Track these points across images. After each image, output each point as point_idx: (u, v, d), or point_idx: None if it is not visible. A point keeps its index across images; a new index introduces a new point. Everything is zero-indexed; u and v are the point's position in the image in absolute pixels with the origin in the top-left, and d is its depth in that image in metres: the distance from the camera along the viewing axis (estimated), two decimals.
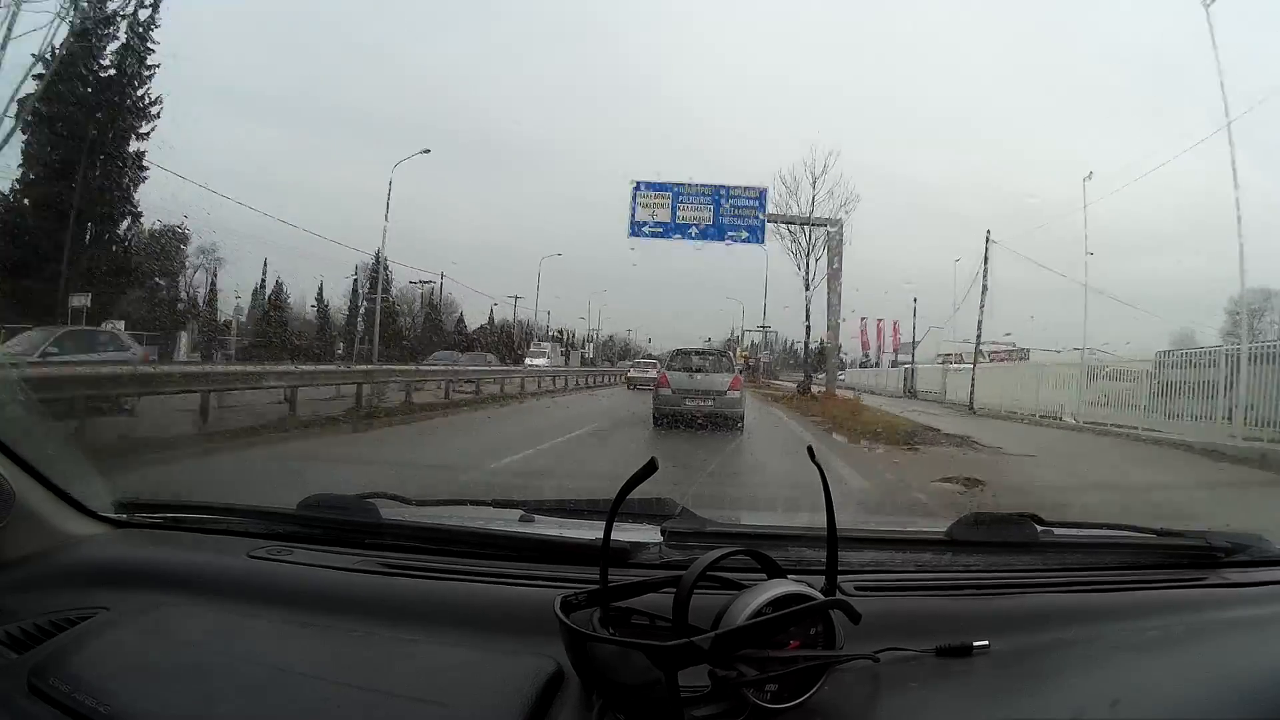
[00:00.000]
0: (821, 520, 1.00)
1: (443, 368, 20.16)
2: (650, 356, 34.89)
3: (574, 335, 50.32)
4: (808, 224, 23.28)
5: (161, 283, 27.99)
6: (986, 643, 1.00)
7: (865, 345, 43.16)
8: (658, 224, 21.52)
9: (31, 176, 19.94)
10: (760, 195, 21.73)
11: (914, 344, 34.78)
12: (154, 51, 21.84)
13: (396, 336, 35.64)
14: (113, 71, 21.29)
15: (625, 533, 1.21)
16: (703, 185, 21.62)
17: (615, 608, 0.97)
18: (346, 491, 1.56)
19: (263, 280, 36.16)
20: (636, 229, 21.50)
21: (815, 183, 23.19)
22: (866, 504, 5.75)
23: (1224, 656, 1.06)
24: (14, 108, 17.64)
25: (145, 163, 21.61)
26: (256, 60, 58.00)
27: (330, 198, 48.47)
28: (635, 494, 0.96)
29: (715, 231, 21.45)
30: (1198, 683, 0.96)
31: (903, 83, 56.56)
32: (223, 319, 30.40)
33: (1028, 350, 24.37)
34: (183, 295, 30.14)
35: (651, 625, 0.97)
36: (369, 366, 15.50)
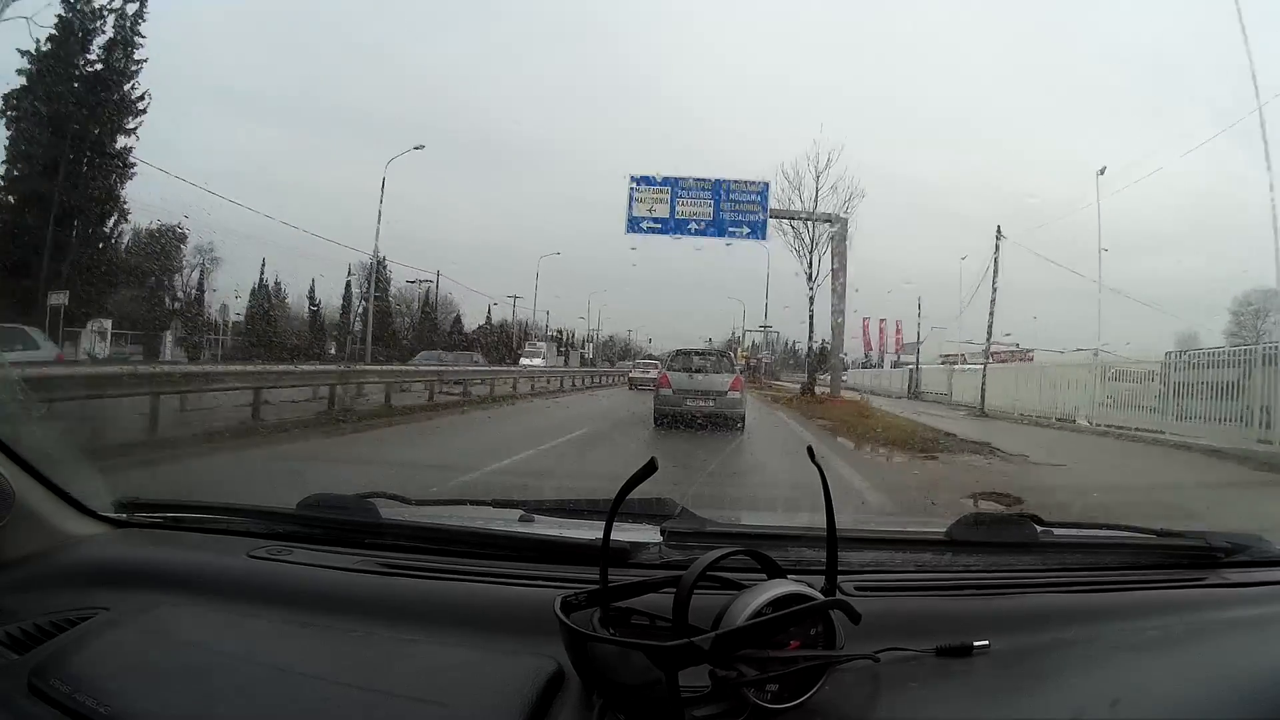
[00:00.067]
0: (821, 520, 1.01)
1: (424, 368, 18.91)
2: (651, 357, 34.85)
3: (573, 335, 50.34)
4: (811, 219, 22.24)
5: (159, 281, 27.77)
6: (986, 643, 1.00)
7: (867, 345, 42.99)
8: (656, 220, 20.69)
9: (14, 172, 19.64)
10: (762, 190, 20.88)
11: (918, 344, 34.58)
12: (141, 46, 21.58)
13: (392, 336, 35.37)
14: (100, 66, 21.00)
15: (625, 533, 1.21)
16: (702, 180, 20.83)
17: (615, 608, 0.97)
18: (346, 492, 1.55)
19: (261, 280, 36.15)
20: (634, 225, 20.70)
21: (819, 177, 22.05)
22: (869, 506, 5.59)
23: (1224, 656, 1.06)
24: None
25: (133, 159, 21.35)
26: (256, 60, 57.93)
27: (331, 198, 48.44)
28: (635, 494, 0.96)
29: (715, 227, 20.64)
30: (1198, 683, 0.96)
31: (903, 83, 56.27)
32: (213, 318, 30.04)
33: (1031, 351, 24.16)
34: (178, 295, 29.84)
35: (651, 625, 0.97)
36: (342, 367, 14.40)
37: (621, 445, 9.65)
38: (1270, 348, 11.60)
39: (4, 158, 19.35)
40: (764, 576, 0.97)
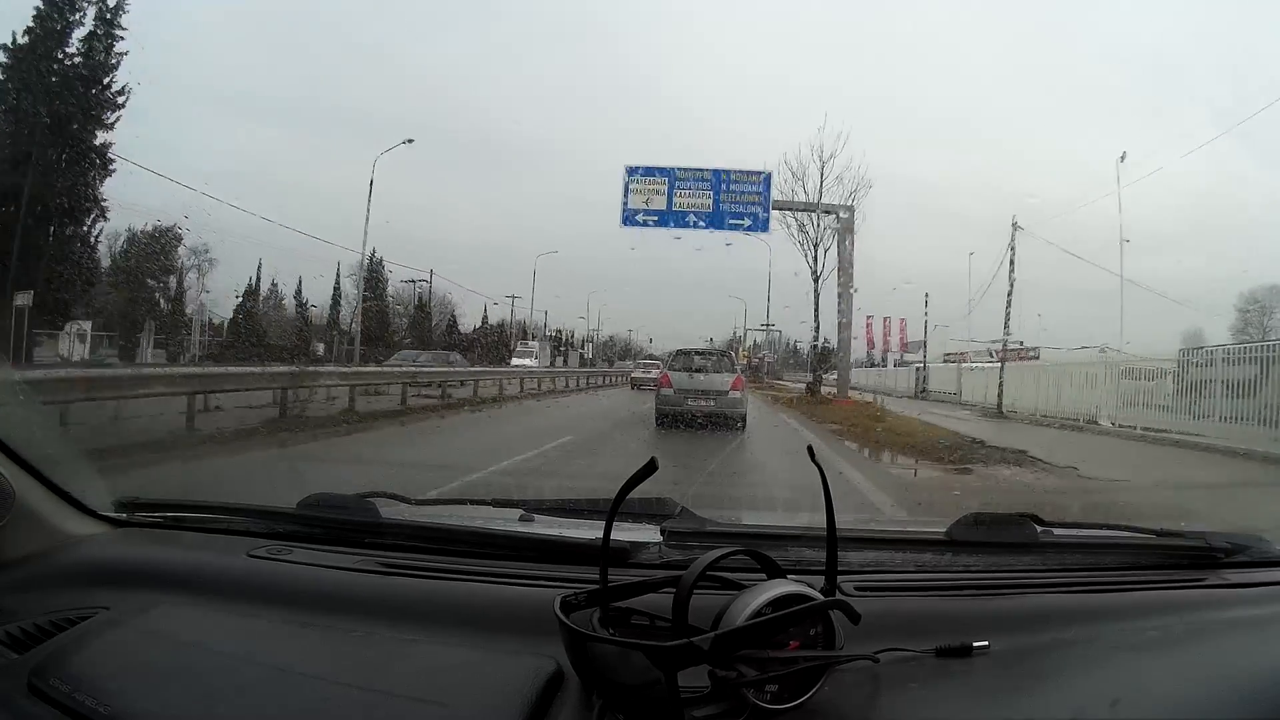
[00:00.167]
0: (821, 520, 1.00)
1: (392, 369, 17.95)
2: (652, 357, 34.73)
3: (573, 335, 50.34)
4: (816, 211, 21.20)
5: (139, 281, 27.16)
6: (986, 643, 1.00)
7: (870, 344, 42.77)
8: (652, 212, 19.67)
9: None
10: (764, 180, 19.85)
11: (925, 343, 34.40)
12: (122, 39, 20.85)
13: (390, 336, 35.08)
14: (79, 60, 20.23)
15: (625, 533, 1.21)
16: (701, 169, 19.77)
17: (615, 608, 0.97)
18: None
19: (257, 280, 35.97)
20: (629, 218, 19.70)
21: (824, 167, 21.05)
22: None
23: (1224, 657, 1.06)
24: None
25: (112, 155, 20.49)
26: (256, 60, 58.15)
27: (331, 198, 48.71)
28: (635, 494, 0.96)
29: (715, 220, 19.62)
30: (1197, 683, 0.96)
31: (903, 83, 56.78)
32: (197, 319, 29.50)
33: (1037, 349, 23.72)
34: (158, 297, 29.17)
35: (651, 625, 0.97)
36: (294, 368, 12.66)
37: (607, 457, 8.37)
38: None
39: None
40: (764, 576, 0.97)
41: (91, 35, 20.40)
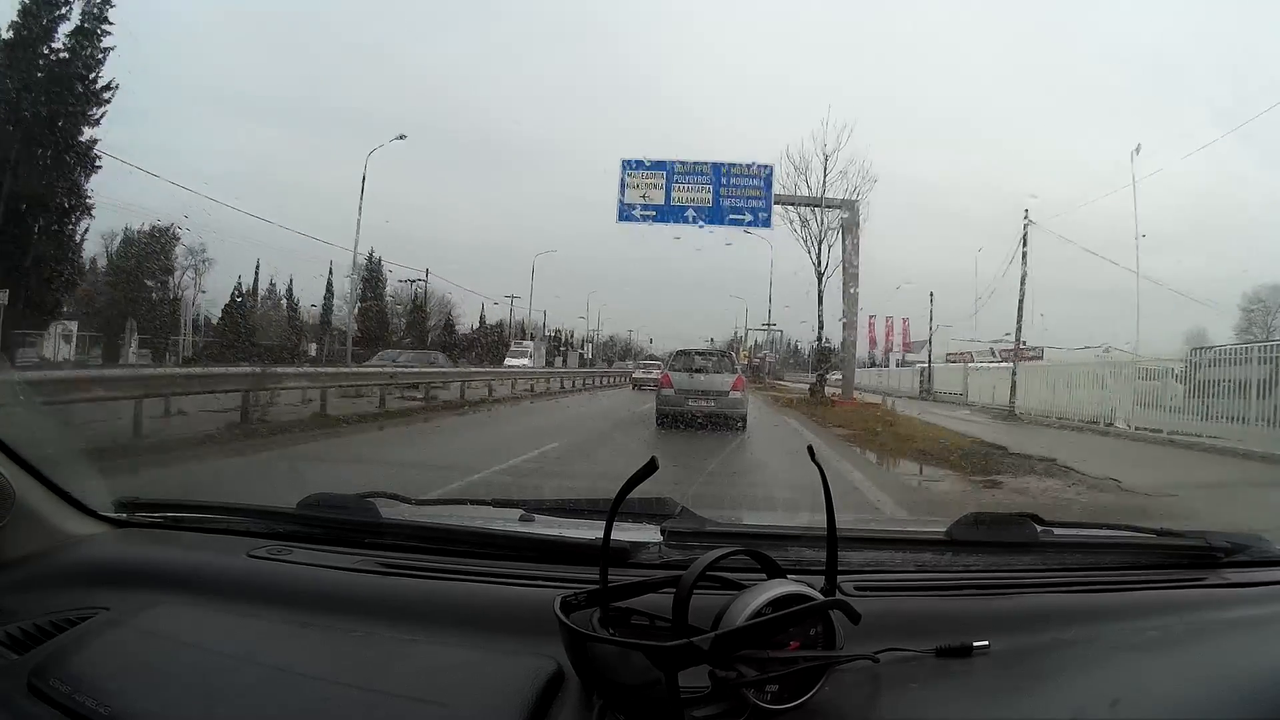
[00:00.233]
0: (821, 520, 1.00)
1: (368, 370, 16.98)
2: (653, 358, 34.62)
3: (572, 335, 50.33)
4: (819, 205, 20.44)
5: (125, 280, 26.63)
6: (986, 643, 1.00)
7: (872, 343, 42.57)
8: (649, 207, 19.05)
9: None
10: (766, 173, 19.24)
11: (930, 342, 34.21)
12: (109, 33, 20.23)
13: (385, 336, 34.82)
14: (65, 55, 19.58)
15: (625, 532, 1.21)
16: (700, 163, 19.15)
17: (615, 608, 0.97)
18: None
19: (255, 281, 35.89)
20: (625, 213, 19.12)
21: (827, 161, 20.32)
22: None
23: (1224, 656, 1.06)
24: None
25: (98, 151, 19.79)
26: (255, 60, 58.07)
27: (331, 198, 48.71)
28: (635, 494, 0.96)
29: (715, 215, 18.99)
30: (1197, 683, 0.96)
31: (903, 83, 56.62)
32: (184, 318, 29.14)
33: (1040, 349, 23.22)
34: (143, 297, 28.36)
35: (651, 625, 0.97)
36: (256, 369, 11.75)
37: (601, 464, 7.59)
38: None
39: None
40: (764, 576, 0.97)
41: (78, 30, 19.88)
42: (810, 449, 1.11)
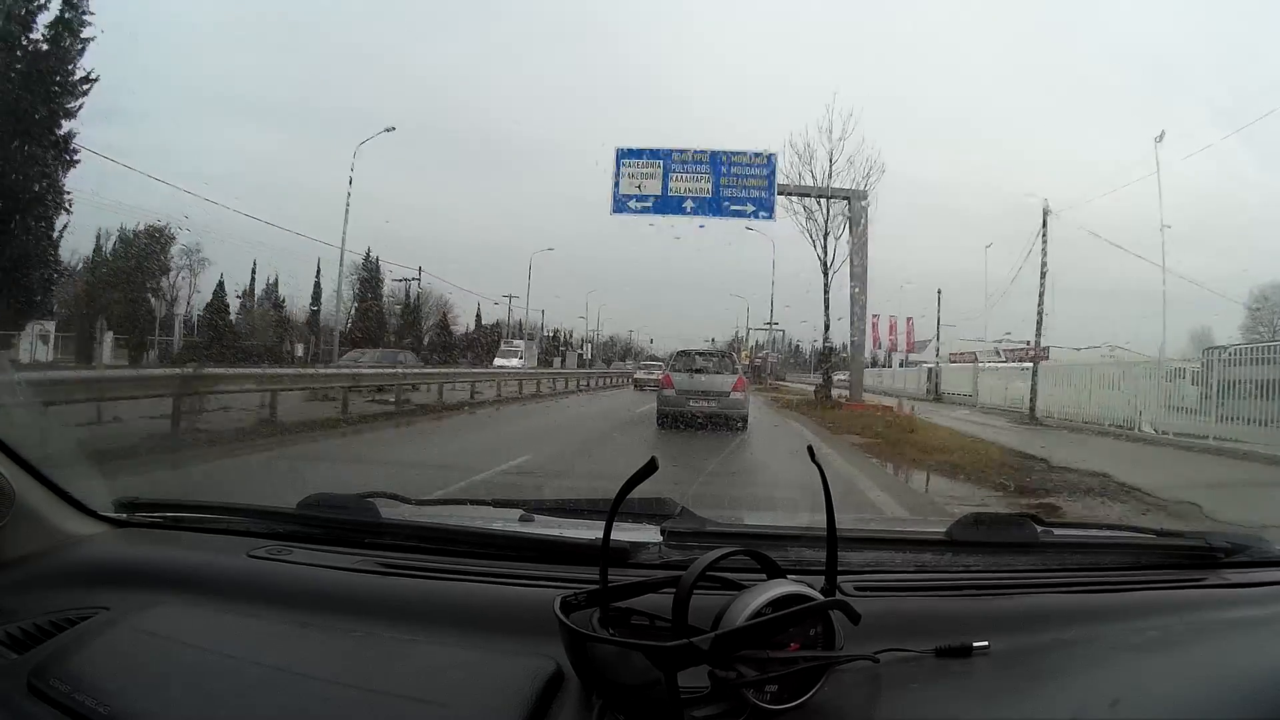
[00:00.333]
0: (821, 520, 1.00)
1: (336, 371, 15.49)
2: (654, 359, 34.55)
3: (571, 335, 50.31)
4: (827, 196, 19.04)
5: (102, 279, 25.94)
6: (986, 643, 1.00)
7: (876, 343, 42.25)
8: (646, 197, 18.09)
9: None
10: (769, 161, 18.24)
11: (938, 343, 33.85)
12: (90, 24, 19.54)
13: (384, 336, 34.50)
14: (44, 46, 18.83)
15: (625, 533, 1.21)
16: (699, 151, 18.25)
17: (615, 608, 0.97)
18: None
19: (251, 281, 35.48)
20: (621, 204, 18.23)
21: (833, 150, 18.94)
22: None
23: (1224, 656, 1.06)
24: None
25: (76, 144, 19.06)
26: (254, 61, 58.11)
27: (331, 198, 48.60)
28: (635, 494, 0.96)
29: (715, 206, 18.06)
30: (1197, 683, 0.96)
31: (903, 82, 56.35)
32: (158, 318, 28.30)
33: (1047, 348, 23.15)
34: (116, 296, 27.26)
35: (651, 625, 0.97)
36: (188, 371, 10.49)
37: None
38: None
39: None
40: (764, 577, 0.97)
41: (58, 20, 19.13)
42: (810, 449, 1.11)
